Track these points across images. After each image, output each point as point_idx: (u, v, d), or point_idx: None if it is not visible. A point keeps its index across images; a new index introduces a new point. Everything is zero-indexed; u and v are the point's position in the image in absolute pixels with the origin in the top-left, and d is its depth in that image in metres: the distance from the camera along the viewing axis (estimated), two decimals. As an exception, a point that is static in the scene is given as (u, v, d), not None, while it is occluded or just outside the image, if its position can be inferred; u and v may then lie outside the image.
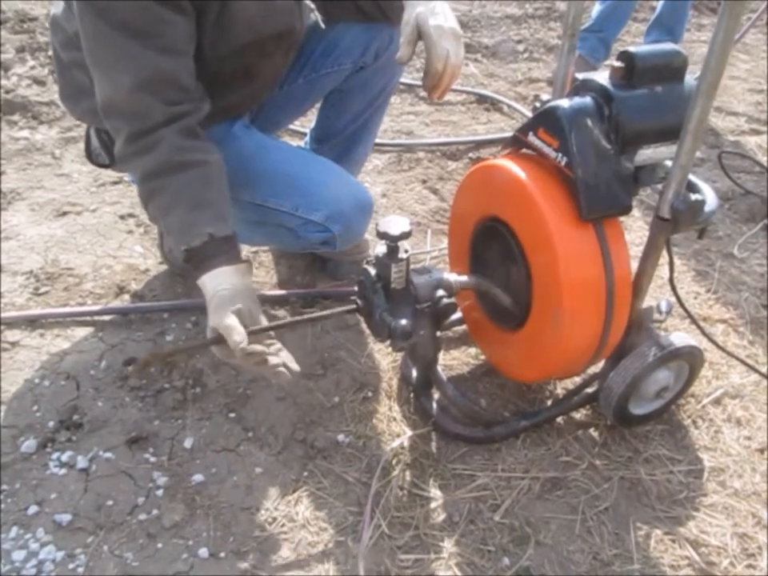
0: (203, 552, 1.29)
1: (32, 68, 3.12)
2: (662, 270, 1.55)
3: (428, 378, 1.56)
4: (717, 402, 1.67)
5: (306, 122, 2.43)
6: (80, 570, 1.25)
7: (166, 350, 1.65)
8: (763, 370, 1.72)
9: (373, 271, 1.36)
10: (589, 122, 1.28)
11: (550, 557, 1.33)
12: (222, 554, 1.29)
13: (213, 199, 1.34)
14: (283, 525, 1.34)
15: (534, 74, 3.50)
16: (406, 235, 1.31)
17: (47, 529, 1.31)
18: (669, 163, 1.34)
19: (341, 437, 1.52)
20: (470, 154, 2.69)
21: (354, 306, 1.40)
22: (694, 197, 1.25)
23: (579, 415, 1.60)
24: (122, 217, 2.22)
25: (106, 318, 1.81)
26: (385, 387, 1.65)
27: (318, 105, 1.95)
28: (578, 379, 1.64)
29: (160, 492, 1.39)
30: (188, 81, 1.34)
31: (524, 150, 1.42)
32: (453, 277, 1.40)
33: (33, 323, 1.78)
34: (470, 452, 1.51)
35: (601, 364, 1.55)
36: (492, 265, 1.48)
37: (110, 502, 1.36)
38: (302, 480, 1.43)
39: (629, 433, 1.57)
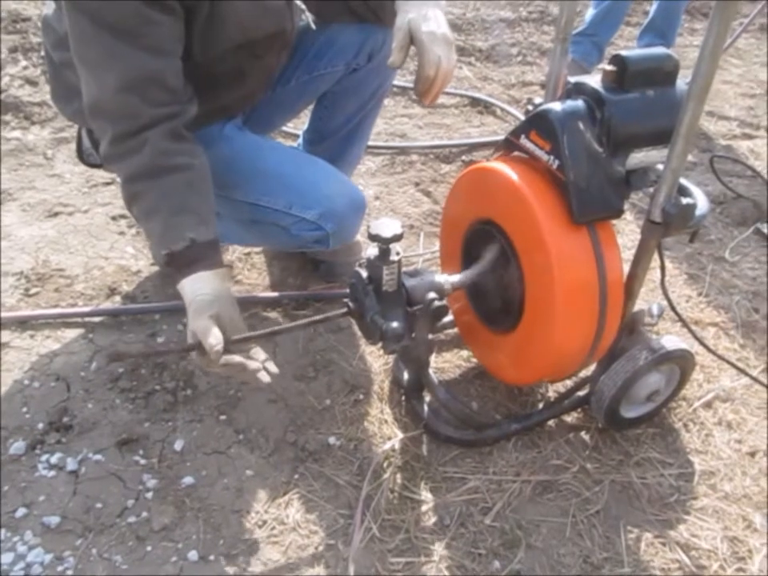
0: (193, 555, 1.28)
1: (24, 68, 3.11)
2: (654, 274, 1.56)
3: (419, 381, 1.56)
4: (708, 405, 1.67)
5: (300, 124, 2.43)
6: (69, 572, 1.24)
7: (145, 349, 1.64)
8: (754, 373, 1.73)
9: (364, 273, 1.36)
10: (581, 126, 1.28)
11: (540, 560, 1.33)
12: (212, 557, 1.28)
13: (196, 204, 1.34)
14: (273, 528, 1.34)
15: (528, 77, 3.51)
16: (397, 237, 1.31)
17: (35, 531, 1.30)
18: (660, 167, 1.34)
19: (332, 439, 1.52)
20: (463, 157, 2.69)
21: (346, 309, 1.40)
22: (685, 200, 1.25)
23: (570, 418, 1.60)
24: (113, 218, 2.22)
25: (97, 319, 1.81)
26: (376, 390, 1.64)
27: (311, 107, 1.95)
28: (569, 382, 1.63)
29: (150, 494, 1.38)
30: (174, 82, 1.34)
31: (516, 153, 1.42)
32: (445, 279, 1.40)
33: (23, 324, 1.77)
34: (461, 455, 1.51)
35: (592, 367, 1.55)
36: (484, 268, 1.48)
37: (99, 505, 1.35)
38: (292, 482, 1.42)
39: (620, 436, 1.57)
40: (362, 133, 1.94)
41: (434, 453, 1.51)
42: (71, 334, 1.76)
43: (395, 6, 1.41)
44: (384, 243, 1.31)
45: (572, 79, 1.37)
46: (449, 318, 1.69)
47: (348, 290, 1.42)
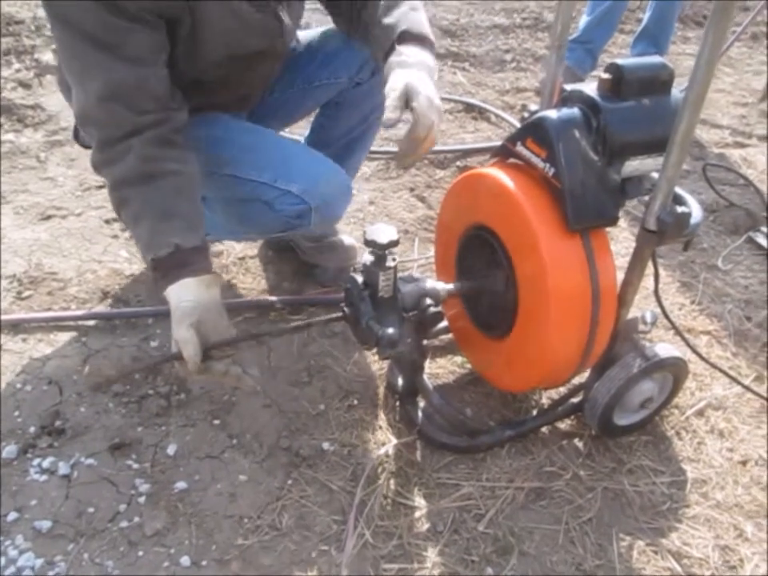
0: (185, 560, 1.28)
1: (17, 71, 3.11)
2: (647, 281, 1.56)
3: (414, 386, 1.56)
4: (700, 413, 1.67)
5: (298, 128, 2.42)
6: (60, 577, 1.24)
7: (128, 367, 1.61)
8: (746, 382, 1.73)
9: (360, 279, 1.36)
10: (577, 133, 1.28)
11: (533, 567, 1.33)
12: (204, 563, 1.28)
13: (182, 210, 1.34)
14: (266, 533, 1.33)
15: (522, 83, 3.52)
16: (393, 243, 1.31)
17: (27, 536, 1.30)
18: (655, 175, 1.35)
19: (326, 445, 1.52)
20: (458, 163, 2.69)
21: (341, 314, 1.40)
22: (680, 209, 1.26)
23: (564, 425, 1.61)
24: (107, 221, 2.21)
25: (90, 323, 1.80)
26: (371, 395, 1.64)
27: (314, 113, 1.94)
28: (562, 389, 1.64)
29: (142, 499, 1.38)
30: (159, 89, 1.34)
31: (512, 160, 1.42)
32: (440, 285, 1.40)
33: (15, 327, 1.76)
34: (455, 461, 1.51)
35: (585, 374, 1.55)
36: (479, 273, 1.48)
37: (91, 509, 1.35)
38: (286, 488, 1.42)
39: (613, 443, 1.57)
40: (362, 144, 1.93)
41: (427, 459, 1.51)
42: (64, 337, 1.75)
43: (388, 64, 1.40)
44: (380, 249, 1.31)
45: (568, 87, 1.38)
46: (443, 323, 1.69)
47: (343, 295, 1.42)
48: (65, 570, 1.25)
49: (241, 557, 1.29)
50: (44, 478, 1.40)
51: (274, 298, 1.90)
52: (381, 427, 1.56)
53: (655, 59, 1.34)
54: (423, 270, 2.08)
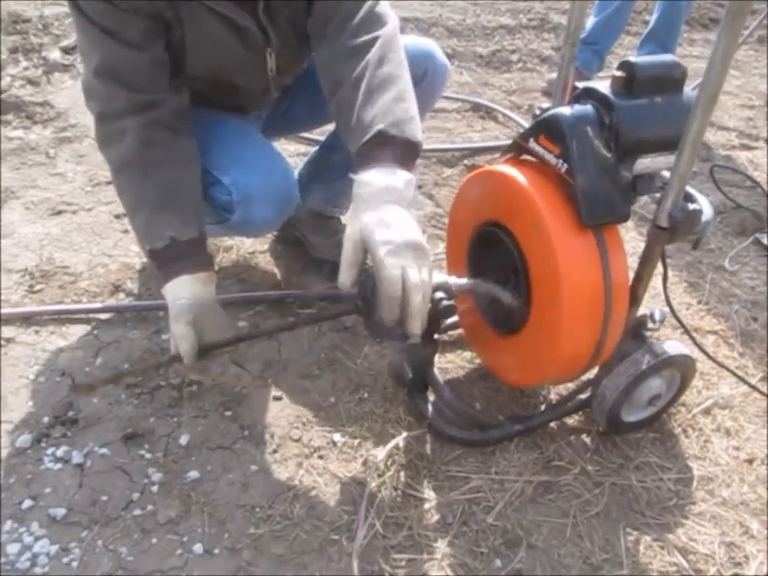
0: (198, 548, 1.29)
1: (25, 69, 3.12)
2: (654, 281, 1.57)
3: (424, 380, 1.57)
4: (707, 412, 1.68)
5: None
6: (74, 564, 1.25)
7: (119, 373, 1.60)
8: (753, 381, 1.74)
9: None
10: (589, 130, 1.30)
11: (541, 560, 1.34)
12: (217, 551, 1.29)
13: (178, 202, 1.36)
14: (278, 522, 1.35)
15: (528, 83, 3.54)
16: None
17: (42, 523, 1.31)
18: (666, 173, 1.36)
19: (336, 436, 1.53)
20: (466, 161, 2.71)
21: (354, 307, 1.41)
22: (692, 206, 1.27)
23: (572, 421, 1.62)
24: (117, 216, 2.22)
25: (102, 316, 1.81)
26: (380, 389, 1.65)
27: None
28: (571, 385, 1.65)
29: (155, 488, 1.39)
30: (153, 72, 1.37)
31: (524, 157, 1.43)
32: (452, 279, 1.41)
33: (28, 320, 1.77)
34: (464, 454, 1.52)
35: (594, 371, 1.56)
36: (490, 269, 1.50)
37: (104, 497, 1.36)
38: (297, 478, 1.43)
39: (620, 440, 1.58)
40: None
41: (437, 452, 1.52)
42: (76, 330, 1.77)
43: (353, 201, 1.26)
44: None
45: (580, 84, 1.39)
46: (453, 318, 1.71)
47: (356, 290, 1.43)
48: (79, 556, 1.26)
49: (253, 545, 1.30)
50: (58, 466, 1.41)
51: (283, 293, 1.91)
52: (391, 420, 1.57)
53: (668, 57, 1.36)
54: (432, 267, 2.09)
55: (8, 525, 1.30)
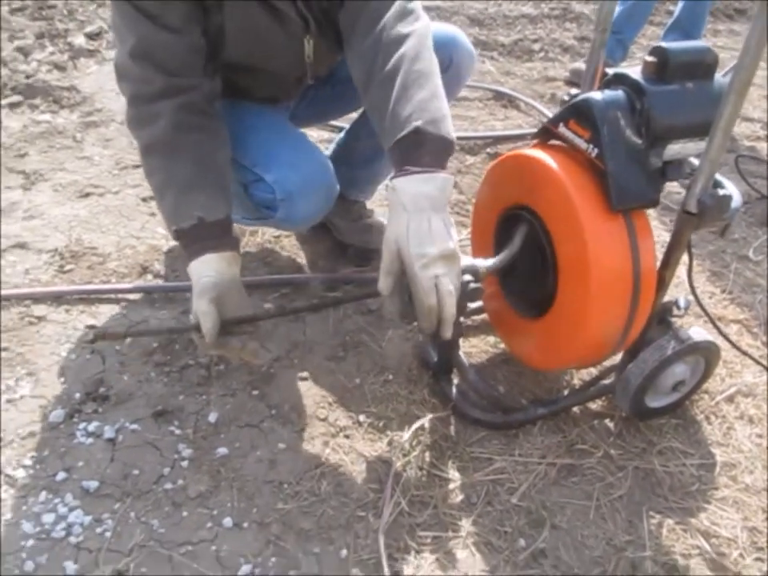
0: (227, 521, 1.32)
1: (51, 54, 3.16)
2: (677, 270, 1.57)
3: (449, 363, 1.59)
4: (730, 399, 1.69)
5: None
6: (107, 534, 1.28)
7: (139, 329, 1.66)
8: (776, 370, 1.75)
9: None
10: (620, 116, 1.30)
11: (564, 540, 1.35)
12: (246, 525, 1.32)
13: (207, 182, 1.37)
14: (305, 498, 1.37)
15: (550, 72, 3.54)
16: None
17: (75, 494, 1.34)
18: (694, 160, 1.37)
19: (362, 417, 1.55)
20: (488, 149, 2.72)
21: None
22: (721, 192, 1.28)
23: (595, 406, 1.63)
24: (144, 199, 2.25)
25: (130, 296, 1.84)
26: (405, 371, 1.67)
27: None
28: (594, 370, 1.66)
29: (185, 463, 1.41)
30: (189, 56, 1.38)
31: (552, 141, 1.44)
32: (479, 262, 1.42)
33: (58, 299, 1.80)
34: (488, 436, 1.54)
35: (617, 356, 1.57)
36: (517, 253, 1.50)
37: (136, 471, 1.39)
38: (324, 457, 1.45)
39: (643, 425, 1.59)
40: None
41: (461, 434, 1.54)
42: (105, 309, 1.80)
43: (389, 205, 1.28)
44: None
45: (611, 70, 1.40)
46: (477, 303, 1.72)
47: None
48: (112, 527, 1.29)
49: (281, 520, 1.33)
50: (90, 441, 1.44)
51: (309, 276, 1.94)
52: (415, 402, 1.59)
53: (699, 44, 1.36)
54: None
55: (43, 495, 1.33)
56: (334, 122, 2.55)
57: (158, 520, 1.31)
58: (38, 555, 1.24)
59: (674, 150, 1.33)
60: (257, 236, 2.09)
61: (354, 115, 1.97)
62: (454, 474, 1.46)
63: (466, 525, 1.36)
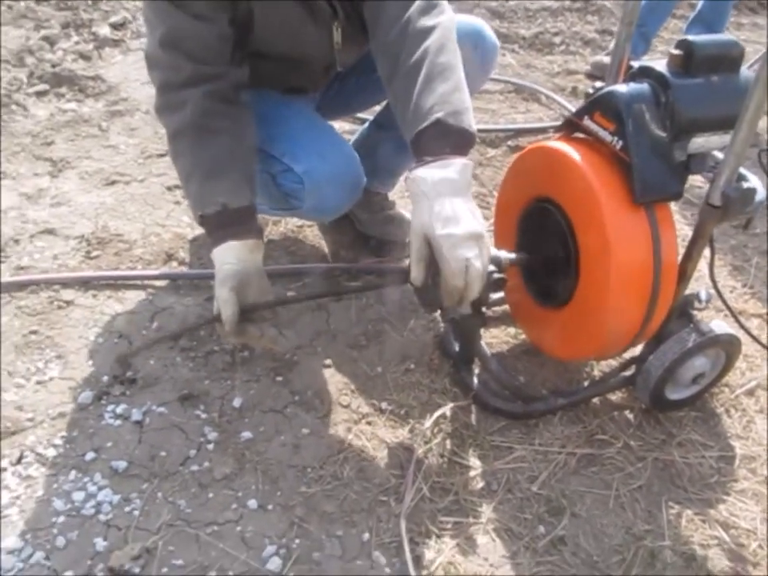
0: (252, 503, 1.34)
1: (77, 43, 3.20)
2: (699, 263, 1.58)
3: (470, 353, 1.60)
4: (750, 393, 1.70)
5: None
6: (135, 512, 1.31)
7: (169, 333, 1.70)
8: (797, 364, 1.75)
9: None
10: (645, 108, 1.31)
11: (584, 528, 1.37)
12: (270, 507, 1.35)
13: (232, 169, 1.39)
14: (329, 482, 1.39)
15: (571, 66, 3.53)
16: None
17: (104, 474, 1.37)
18: (718, 153, 1.37)
19: (384, 404, 1.57)
20: (509, 142, 2.72)
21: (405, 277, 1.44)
22: (746, 185, 1.28)
23: (615, 397, 1.64)
24: (169, 188, 2.28)
25: (156, 282, 1.87)
26: (426, 360, 1.69)
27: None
28: (614, 362, 1.67)
29: (211, 446, 1.44)
30: (217, 45, 1.40)
31: (577, 134, 1.45)
32: (503, 253, 1.44)
33: (86, 284, 1.84)
34: (508, 426, 1.55)
35: (638, 348, 1.58)
36: (540, 244, 1.52)
37: (163, 453, 1.42)
38: (346, 442, 1.48)
39: (663, 417, 1.60)
40: None
41: (482, 422, 1.56)
42: (131, 295, 1.83)
43: (411, 198, 1.29)
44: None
45: (636, 63, 1.40)
46: (498, 294, 1.74)
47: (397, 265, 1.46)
48: (140, 506, 1.32)
49: (305, 503, 1.35)
50: (118, 422, 1.48)
51: (331, 265, 1.96)
52: (437, 390, 1.61)
53: (725, 37, 1.37)
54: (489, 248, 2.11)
55: (72, 474, 1.36)
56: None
57: (184, 500, 1.34)
58: (69, 531, 1.27)
59: (698, 143, 1.34)
60: (279, 225, 2.11)
61: (378, 108, 1.98)
62: (474, 461, 1.47)
63: (486, 511, 1.38)
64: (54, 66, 2.95)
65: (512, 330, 1.80)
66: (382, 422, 1.53)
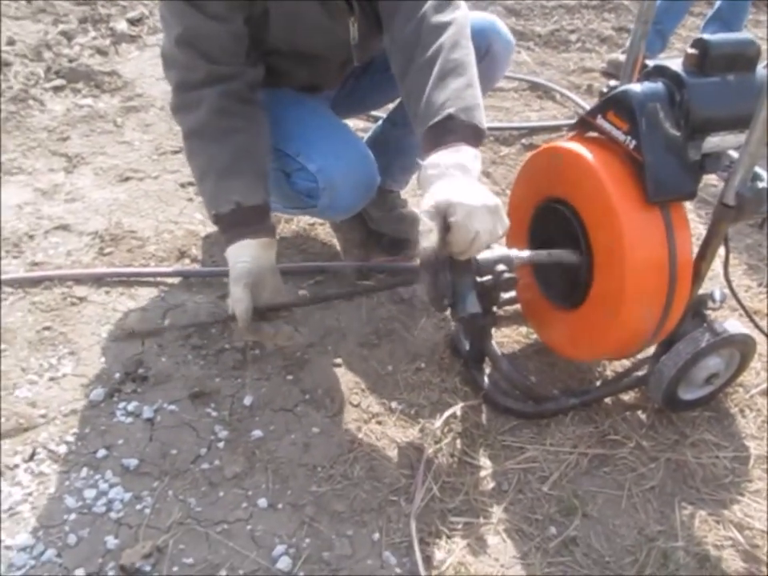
0: (262, 502, 1.35)
1: (94, 38, 3.20)
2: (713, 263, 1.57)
3: (481, 352, 1.60)
4: (765, 393, 1.68)
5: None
6: (146, 510, 1.31)
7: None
8: (812, 365, 1.73)
9: None
10: (659, 107, 1.30)
11: (596, 529, 1.36)
12: (280, 506, 1.35)
13: (246, 168, 1.40)
14: (339, 482, 1.39)
15: (587, 63, 3.50)
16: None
17: (115, 471, 1.38)
18: (733, 153, 1.36)
19: (394, 404, 1.57)
20: (523, 140, 2.71)
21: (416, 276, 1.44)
22: (761, 184, 1.27)
23: (627, 397, 1.63)
24: (182, 185, 2.29)
25: (168, 279, 1.88)
26: (437, 359, 1.69)
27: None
28: (627, 362, 1.66)
29: (221, 444, 1.45)
30: (232, 44, 1.40)
31: (590, 134, 1.44)
32: (513, 252, 1.43)
33: (99, 281, 1.85)
34: (520, 425, 1.55)
35: (651, 348, 1.57)
36: (552, 245, 1.51)
37: (174, 451, 1.43)
38: (356, 441, 1.48)
39: (676, 417, 1.59)
40: None
41: (492, 422, 1.55)
42: (144, 292, 1.84)
43: (422, 177, 1.29)
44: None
45: (651, 62, 1.39)
46: (509, 294, 1.73)
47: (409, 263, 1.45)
48: (151, 504, 1.33)
49: (315, 502, 1.35)
50: (129, 420, 1.48)
51: (343, 264, 1.95)
52: (447, 390, 1.61)
53: (742, 35, 1.35)
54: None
55: (84, 471, 1.37)
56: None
57: (195, 499, 1.34)
58: (80, 529, 1.28)
59: (712, 142, 1.33)
60: (292, 223, 2.11)
61: (392, 106, 1.98)
62: (485, 461, 1.47)
63: (497, 512, 1.38)
64: (71, 61, 2.96)
65: (523, 330, 1.79)
66: (393, 422, 1.53)
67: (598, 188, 1.34)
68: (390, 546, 1.30)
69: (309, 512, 1.34)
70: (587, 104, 2.87)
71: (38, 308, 1.74)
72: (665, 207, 1.33)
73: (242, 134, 1.41)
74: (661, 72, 1.34)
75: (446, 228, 1.20)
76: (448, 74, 1.32)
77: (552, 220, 1.49)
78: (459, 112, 1.28)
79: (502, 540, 1.33)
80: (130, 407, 1.50)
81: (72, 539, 1.26)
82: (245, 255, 1.35)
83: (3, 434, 1.43)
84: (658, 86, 1.32)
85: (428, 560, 1.28)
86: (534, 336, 1.76)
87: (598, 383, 1.66)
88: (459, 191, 1.20)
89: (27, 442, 1.42)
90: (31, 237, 1.98)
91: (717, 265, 1.55)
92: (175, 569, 1.23)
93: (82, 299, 1.78)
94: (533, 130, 2.77)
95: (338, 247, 2.04)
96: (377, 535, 1.31)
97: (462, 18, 1.41)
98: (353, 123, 2.62)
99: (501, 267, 1.39)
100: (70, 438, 1.43)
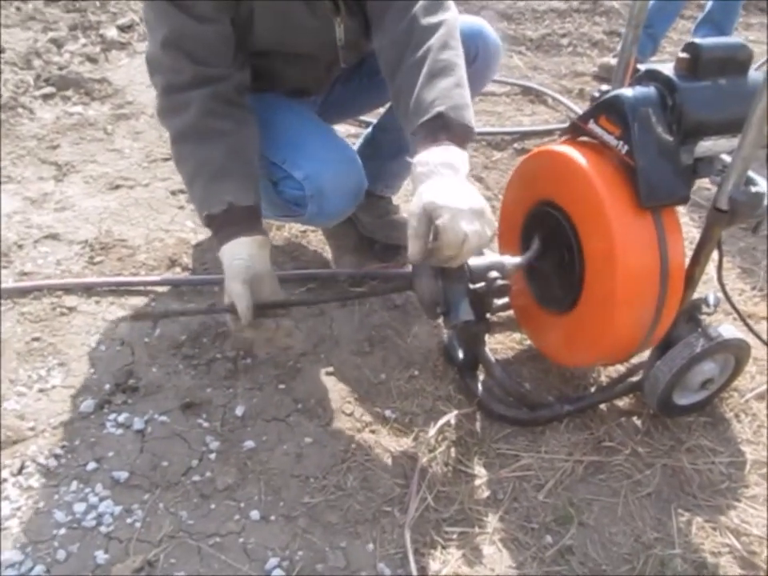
0: (255, 514, 1.33)
1: (84, 45, 3.19)
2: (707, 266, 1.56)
3: (475, 359, 1.59)
4: (760, 397, 1.67)
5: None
6: (137, 524, 1.29)
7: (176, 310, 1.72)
8: (807, 368, 1.73)
9: None
10: (651, 112, 1.29)
11: (592, 537, 1.35)
12: (273, 517, 1.33)
13: (237, 170, 1.39)
14: (332, 492, 1.38)
15: (578, 67, 3.50)
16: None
17: (105, 484, 1.36)
18: (726, 157, 1.35)
19: (387, 412, 1.55)
20: (515, 145, 2.70)
21: (408, 283, 1.42)
22: (754, 189, 1.26)
23: (622, 403, 1.62)
24: (173, 193, 2.27)
25: (159, 288, 1.86)
26: (431, 367, 1.67)
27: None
28: (621, 368, 1.65)
29: (213, 456, 1.43)
30: (219, 46, 1.39)
31: (582, 138, 1.43)
32: (506, 259, 1.42)
33: (89, 290, 1.83)
34: (514, 433, 1.54)
35: (645, 354, 1.56)
36: (545, 249, 1.50)
37: (165, 463, 1.41)
38: (350, 451, 1.46)
39: (671, 422, 1.58)
40: None
41: (487, 430, 1.54)
42: (134, 301, 1.82)
43: (412, 175, 1.29)
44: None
45: (642, 66, 1.39)
46: (503, 300, 1.72)
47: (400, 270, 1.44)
48: (142, 517, 1.31)
49: (308, 513, 1.34)
50: (120, 431, 1.46)
51: (335, 271, 1.94)
52: (441, 398, 1.59)
53: (733, 39, 1.35)
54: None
55: (74, 485, 1.35)
56: (360, 117, 2.55)
57: (186, 511, 1.33)
58: (70, 544, 1.26)
59: (705, 146, 1.32)
60: (283, 230, 2.10)
61: (381, 111, 1.97)
62: (479, 470, 1.46)
63: (492, 521, 1.36)
64: (60, 69, 2.95)
65: (517, 336, 1.78)
66: (386, 431, 1.52)
67: (590, 193, 1.33)
68: (385, 557, 1.29)
69: (302, 523, 1.32)
70: (579, 108, 2.87)
71: (27, 318, 1.72)
72: (656, 212, 1.32)
73: (231, 136, 1.40)
74: (653, 76, 1.33)
75: (434, 231, 1.20)
76: (437, 73, 1.33)
77: (544, 225, 1.48)
78: (449, 110, 1.29)
79: (498, 550, 1.32)
80: (121, 418, 1.49)
81: (61, 555, 1.24)
82: (241, 253, 1.34)
83: (-9, 447, 1.41)
84: (649, 90, 1.31)
85: (423, 571, 1.26)
86: (528, 342, 1.75)
87: (593, 389, 1.65)
88: (446, 193, 1.20)
89: (16, 456, 1.40)
90: (20, 246, 1.96)
91: (710, 269, 1.54)
92: (166, 583, 1.22)
93: (71, 309, 1.76)
94: (525, 135, 2.77)
95: (330, 254, 2.03)
96: (371, 546, 1.30)
97: (452, 19, 1.41)
98: (343, 129, 2.63)
99: (493, 274, 1.38)
100: (60, 451, 1.41)
